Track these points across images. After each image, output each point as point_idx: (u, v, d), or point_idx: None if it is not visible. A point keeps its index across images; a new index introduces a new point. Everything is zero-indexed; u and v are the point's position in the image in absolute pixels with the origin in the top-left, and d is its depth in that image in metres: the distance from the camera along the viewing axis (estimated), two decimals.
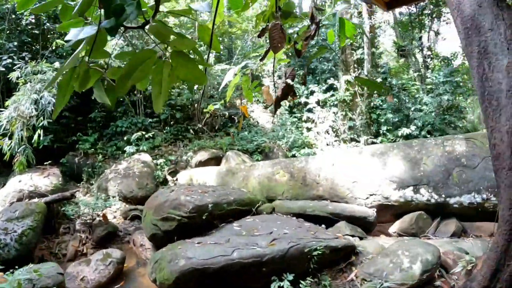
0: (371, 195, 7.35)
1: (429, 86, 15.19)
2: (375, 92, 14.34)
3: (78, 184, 10.44)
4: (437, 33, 21.20)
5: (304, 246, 5.04)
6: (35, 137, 8.70)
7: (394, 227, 7.26)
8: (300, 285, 4.76)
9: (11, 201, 8.13)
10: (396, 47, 19.19)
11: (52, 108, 9.01)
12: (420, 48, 18.81)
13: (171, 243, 5.69)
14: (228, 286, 4.80)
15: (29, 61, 9.73)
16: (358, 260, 5.45)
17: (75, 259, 7.21)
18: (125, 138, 11.47)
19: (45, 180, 9.15)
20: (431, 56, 18.54)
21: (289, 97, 2.77)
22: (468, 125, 15.67)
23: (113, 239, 7.91)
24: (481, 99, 3.65)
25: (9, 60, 9.91)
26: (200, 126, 12.99)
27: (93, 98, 11.02)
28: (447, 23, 21.39)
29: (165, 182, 10.50)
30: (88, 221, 8.01)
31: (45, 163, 9.51)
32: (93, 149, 11.26)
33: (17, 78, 9.28)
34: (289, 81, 2.70)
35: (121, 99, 12.20)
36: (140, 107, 12.59)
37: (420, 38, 19.23)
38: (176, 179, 10.56)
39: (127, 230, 8.30)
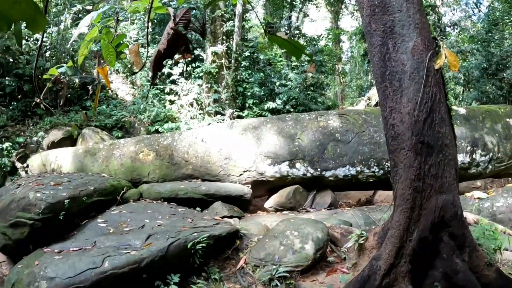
0: (245, 171, 7.05)
1: (294, 63, 15.58)
2: (242, 65, 14.08)
3: None
4: (306, 15, 22.16)
5: (185, 241, 4.41)
6: None
7: (270, 202, 7.14)
8: (191, 286, 4.16)
9: None
10: (264, 23, 19.26)
11: None
12: (288, 27, 19.26)
13: (27, 254, 4.55)
14: None
15: None
16: (243, 244, 5.08)
17: None
18: None
19: None
20: (298, 35, 19.16)
21: (179, 53, 1.96)
22: (327, 100, 16.64)
23: None
24: (381, 78, 3.54)
25: None
26: (50, 98, 11.00)
27: None
28: (316, 7, 22.58)
29: (14, 170, 8.90)
30: None
31: None
32: None
33: None
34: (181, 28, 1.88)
35: None
36: None
37: (290, 17, 19.89)
38: (27, 166, 8.91)
39: None
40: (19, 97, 10.78)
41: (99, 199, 5.79)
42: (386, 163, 6.66)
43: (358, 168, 6.76)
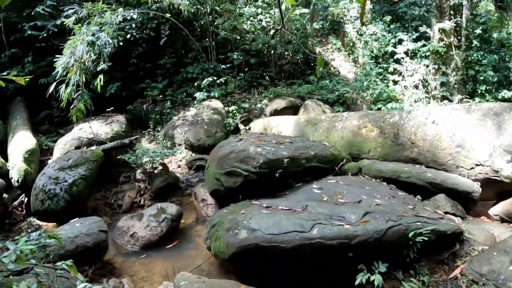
0: (477, 165, 5.95)
1: None
2: (473, 45, 12.23)
3: (144, 131, 9.97)
4: None
5: (407, 228, 3.92)
6: (97, 82, 7.86)
7: (497, 208, 5.93)
8: (402, 284, 3.69)
9: (68, 149, 7.68)
10: None
11: (110, 50, 8.19)
12: None
13: (235, 202, 4.79)
14: (297, 272, 3.83)
15: (84, 3, 8.87)
16: (463, 250, 4.33)
17: (131, 211, 6.73)
18: (195, 84, 10.77)
19: (106, 127, 8.67)
20: None
21: None
22: None
23: (173, 191, 7.27)
24: None
25: (71, 11, 8.97)
26: (275, 71, 12.01)
27: (161, 43, 10.57)
28: None
29: (236, 130, 9.69)
30: (149, 170, 7.30)
31: (107, 109, 9.01)
32: (161, 96, 10.74)
33: (74, 23, 8.47)
34: None
35: (192, 46, 11.59)
36: (212, 52, 11.75)
37: None
38: (249, 128, 9.72)
39: (190, 182, 7.61)
40: (245, 69, 12.03)
41: (317, 165, 5.80)
42: None
43: None
